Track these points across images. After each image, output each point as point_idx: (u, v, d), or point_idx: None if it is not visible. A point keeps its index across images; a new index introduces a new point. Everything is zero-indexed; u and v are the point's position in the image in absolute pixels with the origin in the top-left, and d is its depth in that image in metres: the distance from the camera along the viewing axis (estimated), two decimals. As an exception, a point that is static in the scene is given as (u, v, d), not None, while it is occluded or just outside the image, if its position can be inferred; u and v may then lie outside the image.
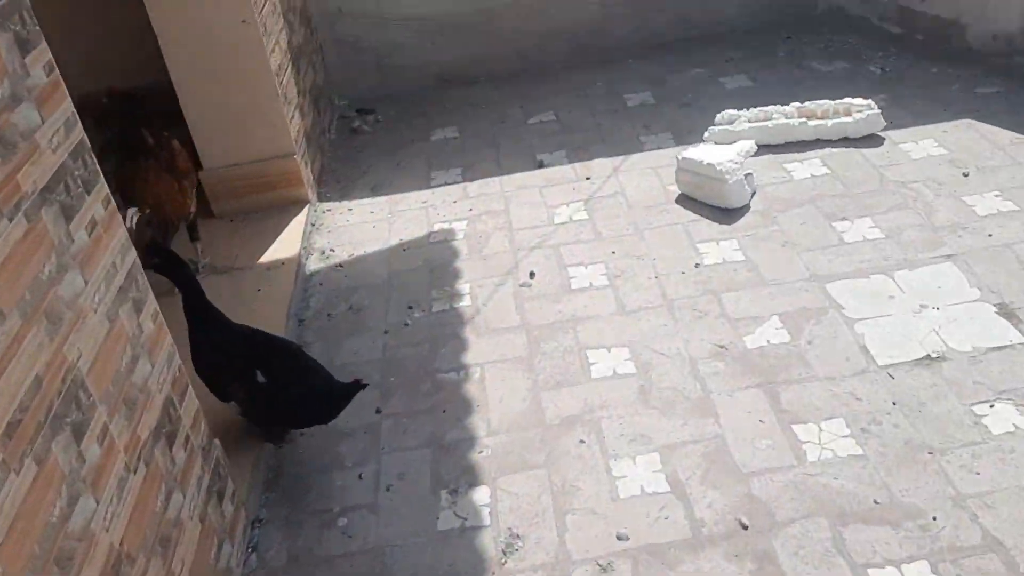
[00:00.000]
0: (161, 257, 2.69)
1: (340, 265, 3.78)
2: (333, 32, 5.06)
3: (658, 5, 5.19)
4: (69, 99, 1.87)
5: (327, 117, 4.87)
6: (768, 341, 3.00)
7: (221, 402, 2.75)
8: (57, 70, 1.83)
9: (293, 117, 4.03)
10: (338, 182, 4.44)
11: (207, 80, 3.76)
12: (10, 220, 1.58)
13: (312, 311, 3.53)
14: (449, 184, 4.27)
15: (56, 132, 1.79)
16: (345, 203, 4.24)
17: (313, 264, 3.81)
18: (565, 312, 3.29)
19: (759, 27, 5.27)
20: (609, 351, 3.07)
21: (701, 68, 4.99)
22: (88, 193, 1.89)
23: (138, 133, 3.45)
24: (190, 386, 2.31)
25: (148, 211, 3.34)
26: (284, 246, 3.79)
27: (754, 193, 3.77)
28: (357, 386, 2.67)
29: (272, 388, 2.67)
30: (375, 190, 4.32)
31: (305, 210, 4.04)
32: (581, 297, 3.36)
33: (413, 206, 4.14)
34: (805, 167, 3.92)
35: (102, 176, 1.97)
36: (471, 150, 4.55)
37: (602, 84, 5.00)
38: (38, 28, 1.79)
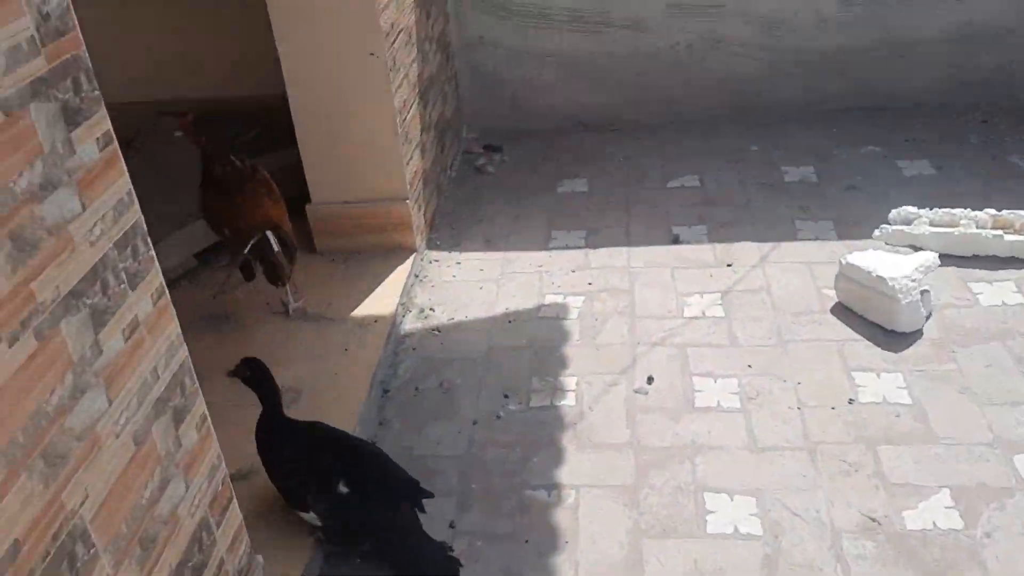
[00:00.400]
0: (252, 369, 2.48)
1: (437, 330, 3.41)
2: (470, 61, 4.72)
3: (834, 66, 4.59)
4: (126, 175, 1.55)
5: (451, 152, 4.54)
6: (934, 523, 2.42)
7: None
8: (115, 142, 1.51)
9: (411, 158, 3.69)
10: (451, 227, 4.08)
11: (326, 112, 3.47)
12: (9, 345, 1.25)
13: (399, 381, 3.17)
14: (570, 248, 3.83)
15: (100, 219, 1.47)
16: (455, 254, 3.88)
17: (409, 323, 3.45)
18: (684, 435, 2.80)
19: (950, 105, 4.58)
20: (732, 499, 2.56)
21: (875, 146, 4.36)
22: (133, 289, 1.56)
23: (227, 158, 3.23)
24: (234, 499, 1.97)
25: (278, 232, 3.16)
26: (381, 299, 3.46)
27: (929, 315, 3.16)
28: (454, 567, 2.37)
29: (354, 500, 2.36)
30: (489, 243, 3.93)
31: (411, 259, 3.69)
32: (705, 419, 2.86)
33: (527, 268, 3.73)
34: (995, 290, 3.27)
35: (156, 263, 1.64)
36: (599, 210, 4.10)
37: (757, 150, 4.45)
38: (97, 92, 1.47)
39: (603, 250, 3.80)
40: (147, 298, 1.60)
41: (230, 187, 3.23)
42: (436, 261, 3.84)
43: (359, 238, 3.72)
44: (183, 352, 1.73)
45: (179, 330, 1.71)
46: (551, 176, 4.43)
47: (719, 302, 3.40)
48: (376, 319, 3.34)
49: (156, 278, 1.63)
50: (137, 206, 1.58)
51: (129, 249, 1.55)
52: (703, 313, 3.35)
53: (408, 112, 3.65)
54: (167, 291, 1.67)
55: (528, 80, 4.75)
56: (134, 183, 1.57)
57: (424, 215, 3.89)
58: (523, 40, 4.65)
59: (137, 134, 4.72)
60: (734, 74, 4.67)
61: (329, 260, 3.75)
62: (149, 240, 1.62)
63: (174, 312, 1.70)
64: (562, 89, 4.77)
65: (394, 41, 3.45)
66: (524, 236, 3.95)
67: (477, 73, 4.76)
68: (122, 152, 1.54)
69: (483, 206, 4.23)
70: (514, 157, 4.65)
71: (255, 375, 2.51)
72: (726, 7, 4.51)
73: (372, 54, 3.32)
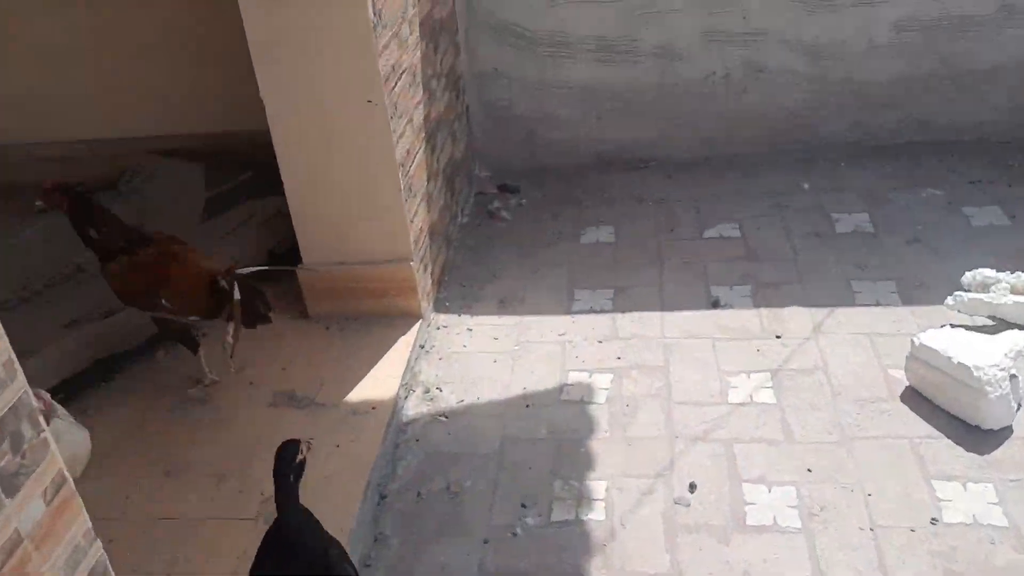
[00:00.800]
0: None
1: (445, 415, 2.98)
2: (483, 94, 4.29)
3: (889, 98, 4.12)
4: None
5: (462, 196, 4.11)
6: None
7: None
8: None
9: (416, 213, 3.27)
10: (462, 285, 3.65)
11: (317, 164, 3.05)
12: None
13: (399, 483, 2.74)
14: (595, 312, 3.39)
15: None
16: (465, 318, 3.45)
17: (412, 407, 3.03)
18: (735, 564, 2.35)
19: (1020, 142, 4.09)
20: (797, 656, 2.12)
21: (936, 189, 3.88)
22: (12, 495, 1.14)
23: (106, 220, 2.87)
24: None
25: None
26: (381, 378, 3.03)
27: (1020, 407, 2.70)
28: None
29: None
30: (503, 304, 3.50)
31: (416, 327, 3.27)
32: (760, 541, 2.41)
33: (547, 337, 3.29)
34: (1097, 375, 2.80)
35: (52, 447, 1.22)
36: (628, 265, 3.65)
37: (804, 193, 3.98)
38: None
39: (633, 315, 3.35)
40: (36, 500, 1.18)
41: (137, 251, 2.83)
42: (444, 327, 3.41)
43: (357, 303, 3.30)
44: (95, 554, 1.30)
45: (88, 525, 1.29)
46: (573, 223, 3.99)
47: (768, 384, 2.94)
48: (374, 405, 2.92)
49: (51, 467, 1.21)
50: (21, 378, 1.16)
51: (7, 441, 1.13)
52: (750, 398, 2.89)
53: (412, 162, 3.23)
54: (69, 479, 1.25)
55: (547, 114, 4.31)
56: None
57: (431, 274, 3.47)
58: (541, 71, 4.21)
59: (122, 174, 4.35)
60: (777, 107, 4.21)
61: (323, 327, 3.33)
62: (40, 419, 1.20)
63: (81, 505, 1.27)
64: (584, 124, 4.32)
65: (396, 84, 3.02)
66: (543, 296, 3.52)
67: (491, 108, 4.33)
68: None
69: (497, 259, 3.79)
70: (532, 200, 4.21)
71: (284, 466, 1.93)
72: (768, 33, 4.05)
73: (370, 101, 2.90)
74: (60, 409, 2.69)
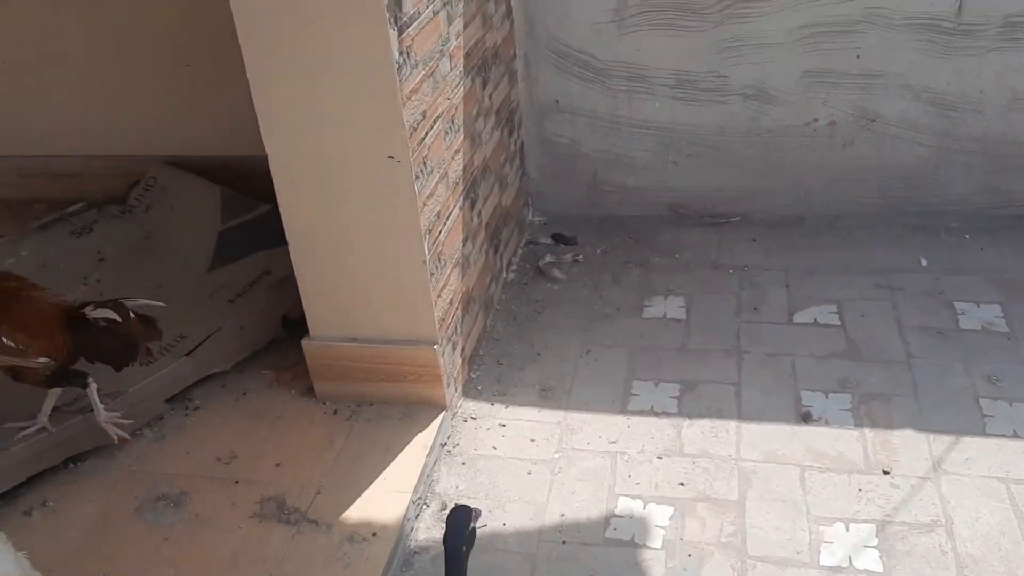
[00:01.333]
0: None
1: (461, 546, 2.43)
2: (541, 130, 3.71)
3: (1030, 159, 3.40)
4: None
5: (510, 248, 3.54)
6: None
7: None
8: None
9: (446, 285, 2.72)
10: (499, 363, 3.08)
11: (326, 223, 2.53)
12: None
13: (396, 640, 2.21)
14: (656, 414, 2.79)
15: None
16: (499, 408, 2.88)
17: (424, 530, 2.48)
18: None
19: None
20: None
21: (1092, 278, 3.16)
22: None
23: None
24: None
25: None
26: (389, 490, 2.49)
27: None
28: None
29: None
30: (546, 394, 2.92)
31: (437, 421, 2.72)
32: None
33: (595, 444, 2.70)
34: None
35: None
36: (699, 352, 3.04)
37: (921, 273, 3.29)
38: None
39: (703, 423, 2.74)
40: None
41: None
42: (473, 419, 2.85)
43: (371, 386, 2.77)
44: None
45: None
46: (637, 290, 3.39)
47: (873, 542, 2.30)
48: (375, 530, 2.37)
49: None
50: None
51: None
52: (849, 561, 2.26)
53: (444, 225, 2.67)
54: None
55: (616, 155, 3.71)
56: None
57: (461, 352, 2.91)
58: (612, 106, 3.61)
59: (134, 186, 3.93)
60: (891, 163, 3.52)
61: (330, 411, 2.81)
62: None
63: None
64: (658, 169, 3.71)
65: (426, 134, 2.47)
66: (595, 386, 2.93)
67: (550, 145, 3.74)
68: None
69: (544, 331, 3.22)
70: (590, 257, 3.62)
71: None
72: (886, 76, 3.37)
73: (391, 157, 2.36)
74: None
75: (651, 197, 3.76)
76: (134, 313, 2.60)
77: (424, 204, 2.48)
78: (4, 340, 2.42)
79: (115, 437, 2.66)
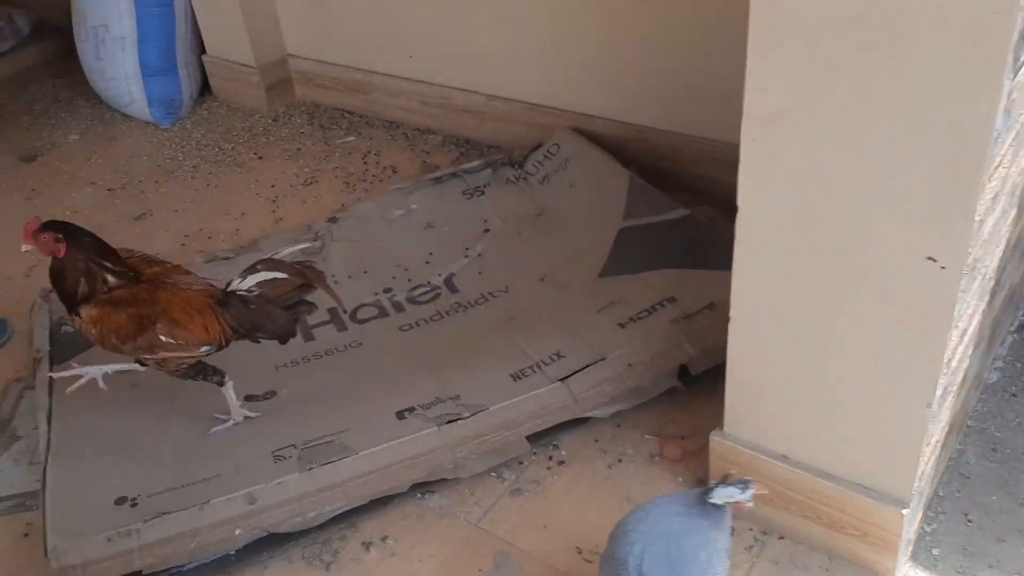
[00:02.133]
0: None
1: None
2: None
3: None
4: None
5: (999, 332, 2.56)
6: None
7: None
8: None
9: (940, 424, 1.88)
10: (967, 520, 2.17)
11: (801, 307, 1.80)
12: None
13: None
14: None
15: None
16: (964, 595, 2.03)
17: None
18: None
19: None
20: None
21: None
22: None
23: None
24: None
25: None
26: None
27: None
28: None
29: None
30: (1042, 595, 2.00)
31: (875, 599, 1.97)
32: None
33: None
34: None
35: None
36: None
37: None
38: None
39: None
40: None
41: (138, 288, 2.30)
42: (923, 605, 2.04)
43: (789, 517, 2.07)
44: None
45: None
46: None
47: None
48: None
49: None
50: None
51: None
52: None
53: (960, 345, 1.82)
54: None
55: None
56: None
57: (922, 499, 2.09)
58: None
59: (534, 150, 3.58)
60: None
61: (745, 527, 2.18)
62: None
63: None
64: None
65: (986, 228, 1.62)
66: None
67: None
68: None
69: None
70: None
71: None
72: None
73: (932, 259, 1.55)
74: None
75: None
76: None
77: (956, 326, 1.66)
78: (163, 338, 2.28)
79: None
